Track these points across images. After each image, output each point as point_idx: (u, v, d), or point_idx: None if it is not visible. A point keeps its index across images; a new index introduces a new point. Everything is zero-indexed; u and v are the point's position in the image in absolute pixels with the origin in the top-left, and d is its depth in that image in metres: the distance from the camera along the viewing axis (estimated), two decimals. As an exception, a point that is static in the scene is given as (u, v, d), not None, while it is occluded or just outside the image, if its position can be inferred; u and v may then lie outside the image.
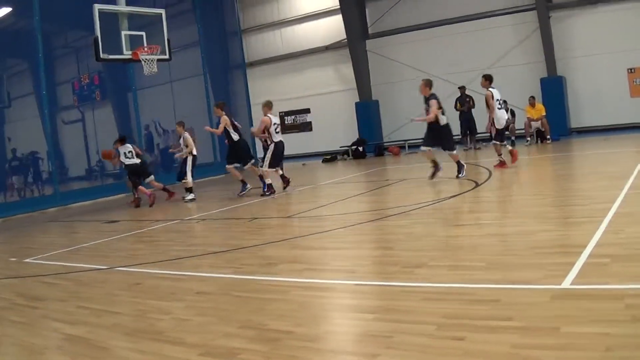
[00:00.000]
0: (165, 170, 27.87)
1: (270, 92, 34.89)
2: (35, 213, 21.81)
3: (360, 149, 30.56)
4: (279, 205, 16.54)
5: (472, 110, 26.25)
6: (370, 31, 32.54)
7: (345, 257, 8.81)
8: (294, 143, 33.91)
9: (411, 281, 6.79)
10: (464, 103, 26.27)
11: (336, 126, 32.82)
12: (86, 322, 7.01)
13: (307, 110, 35.25)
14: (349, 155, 31.07)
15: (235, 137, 18.54)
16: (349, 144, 31.38)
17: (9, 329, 7.24)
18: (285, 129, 35.71)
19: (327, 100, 33.64)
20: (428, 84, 16.57)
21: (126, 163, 19.32)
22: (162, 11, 19.27)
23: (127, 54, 18.05)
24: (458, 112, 26.23)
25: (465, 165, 16.56)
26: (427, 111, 16.21)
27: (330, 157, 30.66)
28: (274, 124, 17.81)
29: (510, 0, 28.37)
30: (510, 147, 18.32)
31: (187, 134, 19.45)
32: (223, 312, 6.71)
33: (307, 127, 35.29)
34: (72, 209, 22.36)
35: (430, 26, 30.11)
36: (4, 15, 32.78)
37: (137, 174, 19.58)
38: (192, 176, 19.29)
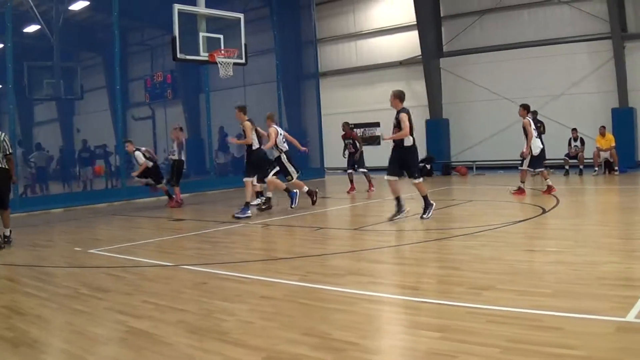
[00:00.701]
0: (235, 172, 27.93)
1: (341, 104, 35.04)
2: (100, 205, 22.04)
3: (428, 166, 30.46)
4: (344, 217, 16.61)
5: (542, 135, 26.08)
6: (445, 49, 32.44)
7: (411, 274, 8.79)
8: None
9: (477, 303, 6.76)
10: (535, 128, 26.11)
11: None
12: (151, 317, 7.11)
13: (377, 124, 35.15)
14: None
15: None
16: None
17: (72, 318, 7.33)
18: (355, 141, 35.81)
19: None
20: (398, 95, 14.55)
21: (149, 165, 19.90)
22: (241, 15, 19.41)
23: (203, 55, 18.20)
24: None
25: (434, 204, 14.59)
26: (397, 127, 14.06)
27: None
28: (280, 134, 17.73)
29: (586, 27, 28.08)
30: (549, 182, 18.16)
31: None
32: (287, 318, 6.73)
33: (375, 140, 35.21)
34: (136, 204, 22.62)
35: (505, 48, 29.92)
36: (82, 9, 33.22)
37: (153, 175, 20.17)
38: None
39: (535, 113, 25.76)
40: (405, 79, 33.75)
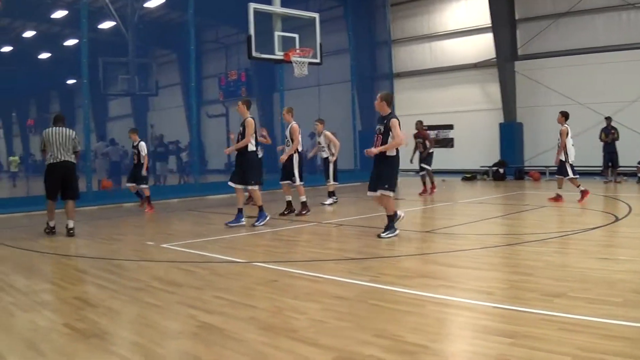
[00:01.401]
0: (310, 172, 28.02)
1: (415, 105, 34.91)
2: (173, 200, 22.29)
3: (501, 170, 30.31)
4: (416, 219, 16.56)
5: (616, 142, 25.78)
6: (519, 52, 32.18)
7: (483, 278, 8.77)
8: (434, 158, 33.95)
9: (549, 310, 6.71)
10: (609, 134, 25.80)
11: (478, 145, 32.55)
12: (222, 312, 7.22)
13: (450, 127, 35.03)
14: (488, 176, 30.85)
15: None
16: (490, 165, 31.16)
17: (143, 311, 7.48)
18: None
19: (471, 118, 33.40)
20: (385, 98, 13.00)
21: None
22: (316, 15, 19.47)
23: (279, 54, 18.30)
24: (602, 144, 25.82)
25: (402, 215, 13.17)
26: (381, 135, 12.76)
27: (470, 176, 30.51)
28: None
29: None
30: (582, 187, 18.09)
31: (328, 133, 19.52)
32: (359, 319, 6.75)
33: (449, 143, 35.09)
34: (209, 201, 22.83)
35: (580, 52, 29.53)
36: (157, 6, 33.63)
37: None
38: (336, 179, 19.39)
39: (609, 119, 25.49)
40: (480, 82, 33.59)
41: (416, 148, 22.46)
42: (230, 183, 15.01)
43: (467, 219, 15.88)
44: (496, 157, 31.33)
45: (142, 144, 19.84)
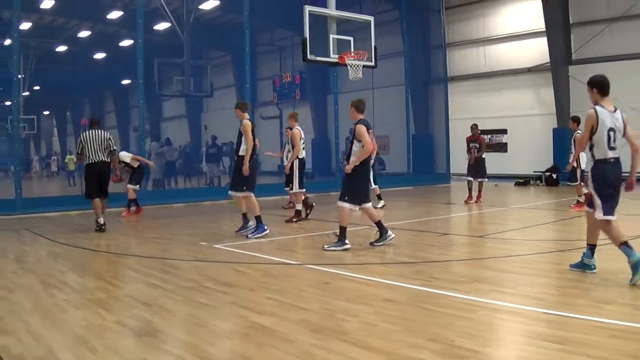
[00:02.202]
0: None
1: (469, 109, 34.86)
2: (223, 201, 22.41)
3: (554, 176, 30.13)
4: (469, 224, 16.59)
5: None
6: (574, 57, 31.96)
7: (535, 284, 8.75)
8: (488, 162, 33.77)
9: (599, 316, 6.69)
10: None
11: (531, 150, 32.37)
12: (273, 314, 7.30)
13: (504, 131, 34.89)
14: (541, 181, 30.67)
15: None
16: (543, 170, 30.98)
17: (196, 310, 7.59)
18: (482, 147, 35.62)
19: (525, 123, 33.24)
20: (356, 105, 12.48)
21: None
22: (371, 18, 19.47)
23: (333, 57, 18.28)
24: None
25: (391, 236, 12.50)
26: (352, 143, 12.24)
27: (523, 181, 30.34)
28: (302, 138, 16.72)
29: None
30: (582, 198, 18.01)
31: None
32: (410, 323, 6.79)
33: (502, 147, 34.95)
34: (261, 202, 22.90)
35: (635, 57, 29.31)
36: (212, 8, 33.85)
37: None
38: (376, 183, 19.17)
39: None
40: (533, 86, 33.44)
41: (470, 152, 21.77)
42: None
43: (520, 224, 15.83)
44: (549, 162, 31.13)
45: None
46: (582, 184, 17.98)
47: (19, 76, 38.81)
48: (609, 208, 9.10)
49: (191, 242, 13.67)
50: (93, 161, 15.40)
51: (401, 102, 31.95)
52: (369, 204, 12.38)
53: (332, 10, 18.53)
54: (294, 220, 16.51)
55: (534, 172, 31.40)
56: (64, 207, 19.93)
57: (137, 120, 22.83)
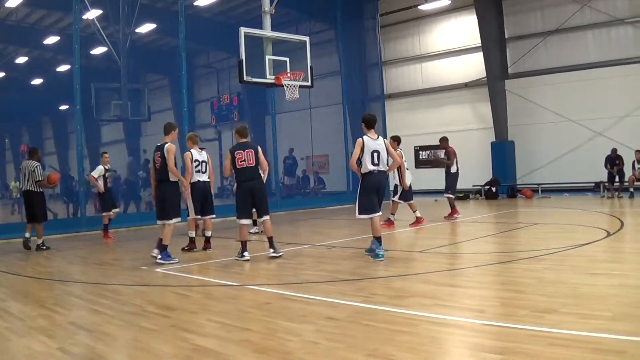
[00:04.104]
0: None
1: (407, 126, 35.09)
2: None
3: (493, 189, 30.44)
4: (409, 240, 16.64)
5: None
6: (510, 71, 32.34)
7: (475, 296, 8.81)
8: (427, 178, 33.92)
9: (540, 326, 6.75)
10: (614, 166, 26.02)
11: (470, 164, 32.53)
12: (216, 335, 7.28)
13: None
14: (481, 195, 30.96)
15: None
16: (482, 184, 31.27)
17: (139, 335, 7.54)
18: (420, 163, 35.86)
19: (463, 138, 33.44)
20: (238, 131, 14.12)
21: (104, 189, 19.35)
22: (307, 38, 19.53)
23: (270, 78, 18.30)
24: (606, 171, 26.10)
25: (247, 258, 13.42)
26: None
27: (462, 195, 30.55)
28: (195, 160, 15.55)
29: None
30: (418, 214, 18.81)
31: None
32: (352, 339, 6.79)
33: (441, 163, 35.21)
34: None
35: (570, 69, 29.71)
36: (149, 32, 33.83)
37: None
38: None
39: (614, 151, 25.58)
40: (471, 101, 33.80)
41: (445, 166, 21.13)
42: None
43: (460, 238, 16.03)
44: (488, 176, 31.44)
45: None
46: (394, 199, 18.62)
47: (-45, 104, 38.40)
48: (366, 210, 13.03)
49: (133, 267, 13.56)
50: (22, 189, 17.02)
51: (339, 121, 32.11)
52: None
53: (267, 32, 18.57)
54: (186, 248, 15.71)
55: (473, 186, 31.68)
56: (5, 235, 19.67)
57: (76, 145, 22.60)
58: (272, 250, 13.57)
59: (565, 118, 29.16)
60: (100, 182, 19.14)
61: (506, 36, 32.26)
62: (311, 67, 19.22)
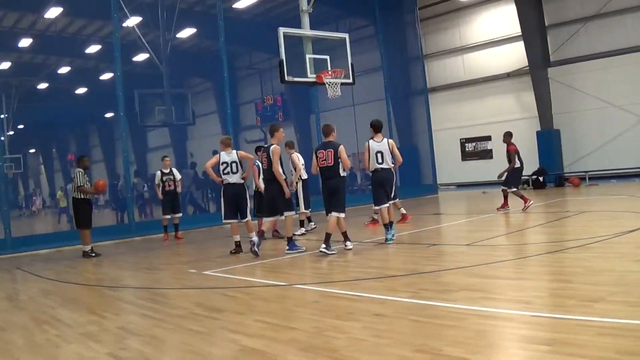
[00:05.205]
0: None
1: (451, 118, 35.08)
2: (214, 227, 22.41)
3: (541, 178, 30.22)
4: (458, 233, 16.59)
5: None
6: (552, 59, 32.09)
7: (523, 288, 8.74)
8: (474, 170, 33.80)
9: (588, 315, 6.69)
10: None
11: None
12: (263, 336, 7.29)
13: (488, 138, 35.00)
14: (529, 185, 30.73)
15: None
16: (529, 173, 31.07)
17: (187, 338, 7.57)
18: (466, 156, 35.70)
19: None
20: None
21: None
22: (346, 36, 19.45)
23: (311, 77, 18.24)
24: None
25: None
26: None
27: (509, 186, 30.42)
28: (223, 162, 15.43)
29: None
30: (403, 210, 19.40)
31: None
32: (398, 335, 6.79)
33: (487, 154, 35.04)
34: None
35: (612, 54, 29.47)
36: (189, 36, 34.01)
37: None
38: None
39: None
40: (514, 91, 33.61)
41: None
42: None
43: (508, 229, 15.92)
44: (535, 165, 31.20)
45: (176, 170, 20.26)
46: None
47: (3, 116, 38.85)
48: (379, 200, 14.96)
49: (181, 270, 13.71)
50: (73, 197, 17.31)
51: (383, 116, 32.02)
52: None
53: (306, 31, 18.52)
54: (232, 251, 15.63)
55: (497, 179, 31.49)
56: (55, 244, 19.94)
57: (122, 152, 22.81)
58: (347, 243, 14.18)
59: (610, 104, 28.90)
60: (160, 188, 19.70)
61: (546, 24, 32.05)
62: (352, 64, 19.17)
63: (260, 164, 16.43)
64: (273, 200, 14.62)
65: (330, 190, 14.02)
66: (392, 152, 14.90)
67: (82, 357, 7.02)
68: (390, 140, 15.17)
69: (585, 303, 7.29)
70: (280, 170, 14.49)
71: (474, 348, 6.08)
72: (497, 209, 20.07)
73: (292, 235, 14.81)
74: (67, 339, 7.96)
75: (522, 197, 19.75)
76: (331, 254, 13.50)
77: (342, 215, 13.98)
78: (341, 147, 14.02)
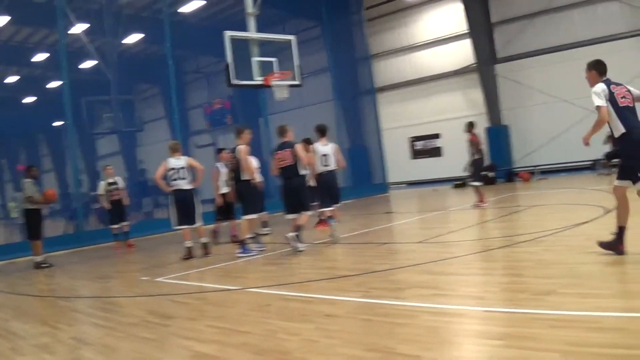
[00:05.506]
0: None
1: (400, 117, 35.19)
2: (166, 233, 22.28)
3: (490, 174, 30.37)
4: (409, 230, 16.65)
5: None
6: (499, 55, 32.28)
7: (474, 284, 8.81)
8: (424, 168, 33.93)
9: (539, 308, 6.73)
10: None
11: (466, 151, 32.64)
12: (215, 341, 7.26)
13: (437, 136, 35.13)
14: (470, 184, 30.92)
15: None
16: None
17: (139, 346, 7.52)
18: (416, 154, 35.81)
19: (457, 125, 33.21)
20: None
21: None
22: (293, 37, 19.47)
23: (258, 79, 18.23)
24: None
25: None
26: None
27: (460, 183, 30.51)
28: (171, 168, 15.27)
29: (637, 22, 27.70)
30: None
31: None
32: (350, 335, 6.80)
33: (436, 152, 35.17)
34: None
35: (559, 50, 29.62)
36: (136, 41, 33.84)
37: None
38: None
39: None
40: (462, 88, 33.74)
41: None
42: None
43: (459, 225, 15.92)
44: (485, 161, 31.36)
45: (119, 179, 20.04)
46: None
47: (-50, 126, 38.38)
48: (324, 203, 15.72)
49: (132, 278, 13.66)
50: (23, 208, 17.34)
51: (332, 117, 32.09)
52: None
53: (252, 34, 18.49)
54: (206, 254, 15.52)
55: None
56: (7, 256, 19.72)
57: (71, 160, 22.65)
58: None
59: (558, 98, 29.09)
60: (105, 198, 19.36)
61: (492, 20, 32.20)
62: (299, 66, 19.17)
63: (220, 167, 17.16)
64: (244, 199, 14.83)
65: (293, 190, 14.10)
66: (336, 156, 15.72)
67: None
68: (335, 145, 15.90)
69: (537, 296, 7.31)
70: (253, 168, 15.08)
71: (426, 345, 6.08)
72: (475, 204, 19.73)
73: (248, 238, 14.76)
74: (20, 351, 7.89)
75: (480, 195, 19.58)
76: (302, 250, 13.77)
77: (309, 213, 14.29)
78: (297, 145, 14.15)
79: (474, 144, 19.94)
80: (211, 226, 17.74)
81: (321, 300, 8.77)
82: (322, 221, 17.98)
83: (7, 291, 13.59)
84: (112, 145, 45.56)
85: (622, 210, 9.10)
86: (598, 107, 9.12)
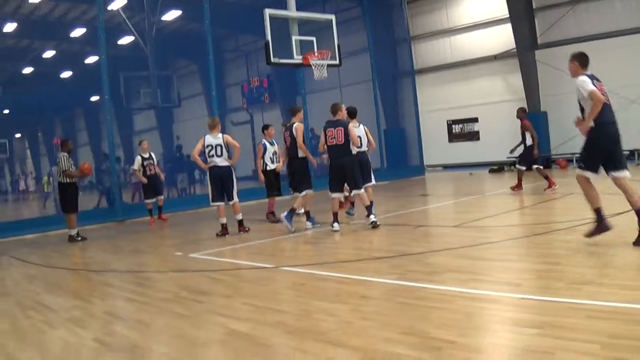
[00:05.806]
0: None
1: (438, 100, 34.97)
2: (201, 210, 22.29)
3: (538, 166, 30.18)
4: (445, 214, 16.56)
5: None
6: (539, 41, 31.99)
7: (511, 270, 8.74)
8: (460, 152, 33.74)
9: (577, 298, 6.65)
10: None
11: (504, 136, 32.22)
12: (250, 319, 7.24)
13: (475, 120, 34.90)
14: (515, 167, 30.71)
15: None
16: (516, 155, 31.03)
17: (173, 321, 7.53)
18: (453, 137, 35.60)
19: (495, 110, 33.22)
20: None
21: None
22: (333, 17, 19.35)
23: (297, 58, 18.16)
24: None
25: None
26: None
27: (497, 168, 30.34)
28: (208, 145, 15.22)
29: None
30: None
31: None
32: (386, 317, 6.77)
33: (474, 136, 34.93)
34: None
35: (600, 37, 29.30)
36: (174, 18, 33.80)
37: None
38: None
39: None
40: (501, 73, 33.46)
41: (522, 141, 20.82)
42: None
43: (496, 210, 15.83)
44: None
45: (153, 154, 20.31)
46: None
47: (-13, 101, 38.67)
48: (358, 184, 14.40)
49: (167, 252, 13.68)
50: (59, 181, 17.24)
51: (370, 98, 31.99)
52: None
53: (292, 12, 18.41)
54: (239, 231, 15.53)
55: (508, 157, 31.42)
56: (41, 229, 19.75)
57: (107, 135, 22.64)
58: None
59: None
60: (141, 173, 19.48)
61: (534, 6, 31.90)
62: (339, 46, 19.08)
63: (267, 144, 17.50)
64: (294, 176, 15.82)
65: (344, 169, 14.19)
66: (367, 138, 15.37)
67: (67, 342, 6.97)
68: (365, 127, 15.66)
69: (574, 286, 7.24)
70: (305, 147, 15.80)
71: (461, 330, 6.05)
72: (511, 188, 19.74)
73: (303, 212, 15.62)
74: (52, 324, 7.89)
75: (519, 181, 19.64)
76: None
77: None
78: (350, 125, 14.26)
79: (529, 129, 19.60)
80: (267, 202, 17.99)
81: (356, 281, 8.72)
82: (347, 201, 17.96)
83: (40, 264, 13.62)
84: (149, 120, 45.71)
85: (590, 194, 9.75)
86: (591, 92, 9.65)
